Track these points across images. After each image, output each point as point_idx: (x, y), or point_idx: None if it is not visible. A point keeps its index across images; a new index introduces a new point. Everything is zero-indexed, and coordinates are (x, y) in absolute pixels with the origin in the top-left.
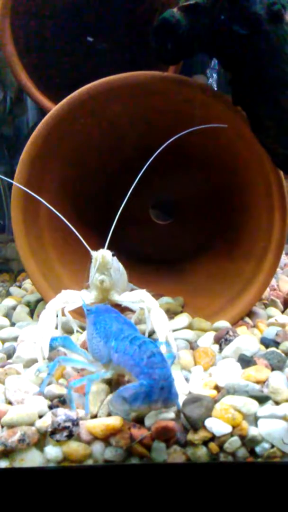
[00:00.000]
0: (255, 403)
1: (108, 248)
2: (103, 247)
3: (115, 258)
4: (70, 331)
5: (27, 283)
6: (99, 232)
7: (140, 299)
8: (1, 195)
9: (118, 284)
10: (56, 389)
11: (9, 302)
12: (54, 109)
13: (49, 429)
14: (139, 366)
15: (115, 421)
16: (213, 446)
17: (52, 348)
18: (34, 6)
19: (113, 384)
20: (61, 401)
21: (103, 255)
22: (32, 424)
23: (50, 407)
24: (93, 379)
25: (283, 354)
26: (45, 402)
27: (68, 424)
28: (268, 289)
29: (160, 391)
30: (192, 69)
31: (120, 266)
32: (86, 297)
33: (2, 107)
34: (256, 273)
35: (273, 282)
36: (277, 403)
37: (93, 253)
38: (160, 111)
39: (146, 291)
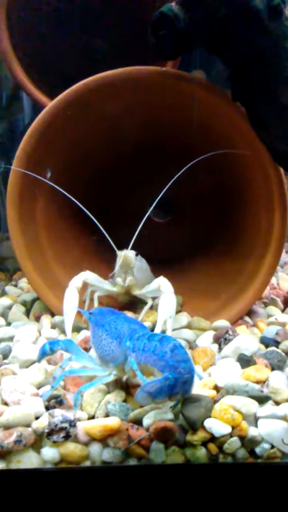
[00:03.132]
0: (255, 403)
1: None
2: (102, 244)
3: (139, 257)
4: None
5: (23, 282)
6: (95, 228)
7: (158, 284)
8: None
9: (141, 280)
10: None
11: (4, 301)
12: (50, 104)
13: (46, 430)
14: (164, 360)
15: (113, 422)
16: (212, 447)
17: (52, 351)
18: (30, 1)
19: (111, 384)
20: (58, 401)
21: (125, 255)
22: (28, 425)
23: (47, 408)
24: (105, 381)
25: (283, 354)
26: (42, 403)
27: (65, 425)
28: (268, 287)
29: (183, 384)
30: (190, 64)
31: (143, 264)
32: (109, 288)
33: None
34: (256, 272)
35: (273, 280)
36: (277, 403)
37: (118, 252)
38: (158, 107)
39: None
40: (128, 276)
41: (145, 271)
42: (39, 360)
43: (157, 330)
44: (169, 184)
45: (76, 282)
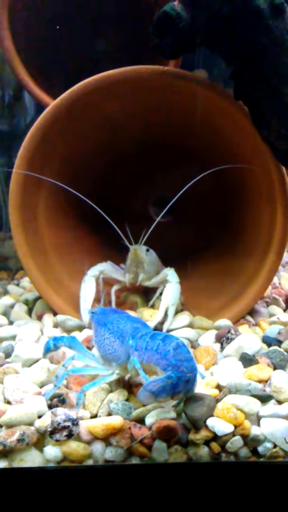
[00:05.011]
0: (257, 402)
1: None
2: (104, 242)
3: (150, 252)
4: (70, 330)
5: (25, 281)
6: (98, 228)
7: (165, 274)
8: None
9: (151, 273)
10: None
11: (7, 300)
12: (53, 104)
13: (49, 429)
14: (166, 359)
15: (115, 420)
16: (215, 445)
17: (56, 347)
18: (32, 0)
19: (113, 383)
20: (61, 400)
21: (134, 250)
22: (31, 423)
23: (50, 407)
24: (108, 380)
25: (285, 353)
26: (45, 402)
27: (68, 423)
28: (270, 287)
29: (186, 383)
30: (192, 64)
31: (153, 258)
32: (121, 277)
33: (0, 103)
34: (257, 271)
35: (275, 280)
36: (279, 402)
37: (130, 247)
38: (160, 106)
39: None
40: (138, 270)
41: (154, 264)
42: (44, 356)
43: (159, 316)
44: (183, 190)
45: (93, 271)
